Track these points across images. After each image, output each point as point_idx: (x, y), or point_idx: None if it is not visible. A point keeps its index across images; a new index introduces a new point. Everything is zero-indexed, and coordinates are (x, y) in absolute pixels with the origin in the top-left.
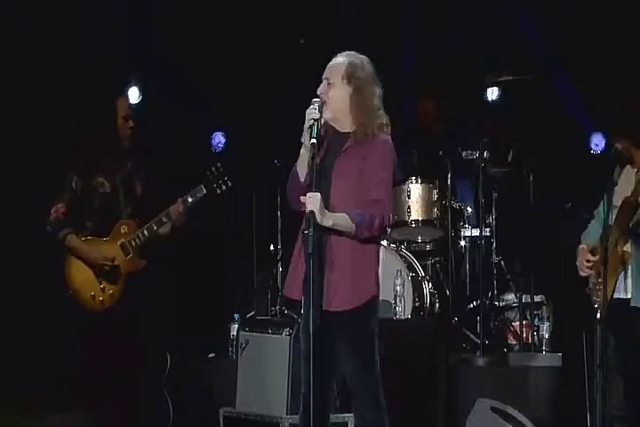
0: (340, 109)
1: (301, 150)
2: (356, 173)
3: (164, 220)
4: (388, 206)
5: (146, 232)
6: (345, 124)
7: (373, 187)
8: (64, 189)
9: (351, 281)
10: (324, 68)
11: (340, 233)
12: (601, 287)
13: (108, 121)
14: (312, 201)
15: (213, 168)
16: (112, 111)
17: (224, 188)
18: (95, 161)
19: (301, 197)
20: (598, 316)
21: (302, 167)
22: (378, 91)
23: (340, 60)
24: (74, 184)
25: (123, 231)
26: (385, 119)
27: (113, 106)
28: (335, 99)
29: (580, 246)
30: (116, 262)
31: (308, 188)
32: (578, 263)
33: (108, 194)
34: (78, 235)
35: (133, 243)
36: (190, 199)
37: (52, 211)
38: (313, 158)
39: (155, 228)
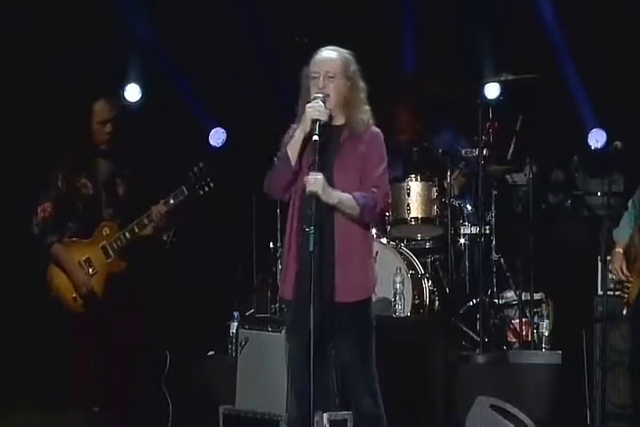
0: (336, 103)
1: (296, 133)
2: (358, 166)
3: (146, 222)
4: (388, 193)
5: (127, 234)
6: (338, 118)
7: (375, 177)
8: (50, 187)
9: (361, 273)
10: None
11: (346, 228)
12: (629, 285)
13: (81, 124)
14: (315, 182)
15: (195, 168)
16: (85, 114)
17: (206, 189)
18: (77, 162)
19: (305, 177)
20: (624, 312)
21: (295, 150)
22: (364, 85)
23: (334, 54)
24: (59, 183)
25: (105, 233)
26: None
27: (87, 109)
28: (335, 93)
29: (615, 250)
30: (94, 270)
31: (296, 175)
32: (616, 267)
33: (91, 195)
34: (62, 239)
35: (115, 245)
36: (172, 201)
37: (39, 210)
38: (315, 153)
39: (136, 230)
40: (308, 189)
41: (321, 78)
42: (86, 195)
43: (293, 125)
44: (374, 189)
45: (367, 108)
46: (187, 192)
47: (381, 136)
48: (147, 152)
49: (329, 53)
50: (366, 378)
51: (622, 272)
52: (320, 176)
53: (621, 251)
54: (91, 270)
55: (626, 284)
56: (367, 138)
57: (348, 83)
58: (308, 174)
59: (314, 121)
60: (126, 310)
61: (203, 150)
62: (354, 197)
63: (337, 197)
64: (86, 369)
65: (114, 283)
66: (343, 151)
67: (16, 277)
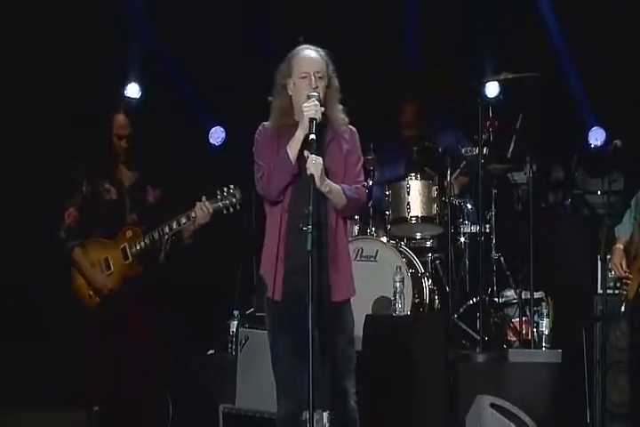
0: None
1: (297, 133)
2: (343, 164)
3: (167, 230)
4: (366, 190)
5: (147, 241)
6: (321, 117)
7: (355, 174)
8: (75, 192)
9: (349, 271)
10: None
11: (337, 227)
12: (628, 282)
13: (103, 132)
14: (315, 164)
15: (225, 188)
16: (107, 126)
17: (231, 210)
18: (101, 167)
19: (305, 152)
20: (622, 309)
21: (295, 150)
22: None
23: (318, 54)
24: (84, 188)
25: (128, 236)
26: None
27: (109, 121)
28: (323, 92)
29: (616, 246)
30: (112, 269)
31: (294, 177)
32: (616, 263)
33: (114, 200)
34: (85, 244)
35: (134, 249)
36: (190, 216)
37: (66, 215)
38: (312, 151)
39: (156, 237)
40: (308, 172)
41: (313, 78)
42: (109, 200)
43: (265, 123)
44: (358, 186)
45: (341, 106)
46: (210, 210)
47: (357, 134)
48: (148, 154)
49: (313, 53)
50: (351, 376)
51: (622, 268)
52: (320, 159)
53: (622, 247)
54: (107, 270)
55: (625, 280)
56: (348, 136)
57: (329, 82)
58: (302, 174)
59: (311, 120)
60: (140, 308)
61: (202, 149)
62: (342, 189)
63: (329, 185)
64: (96, 368)
65: (129, 283)
66: (330, 150)
67: (32, 277)
